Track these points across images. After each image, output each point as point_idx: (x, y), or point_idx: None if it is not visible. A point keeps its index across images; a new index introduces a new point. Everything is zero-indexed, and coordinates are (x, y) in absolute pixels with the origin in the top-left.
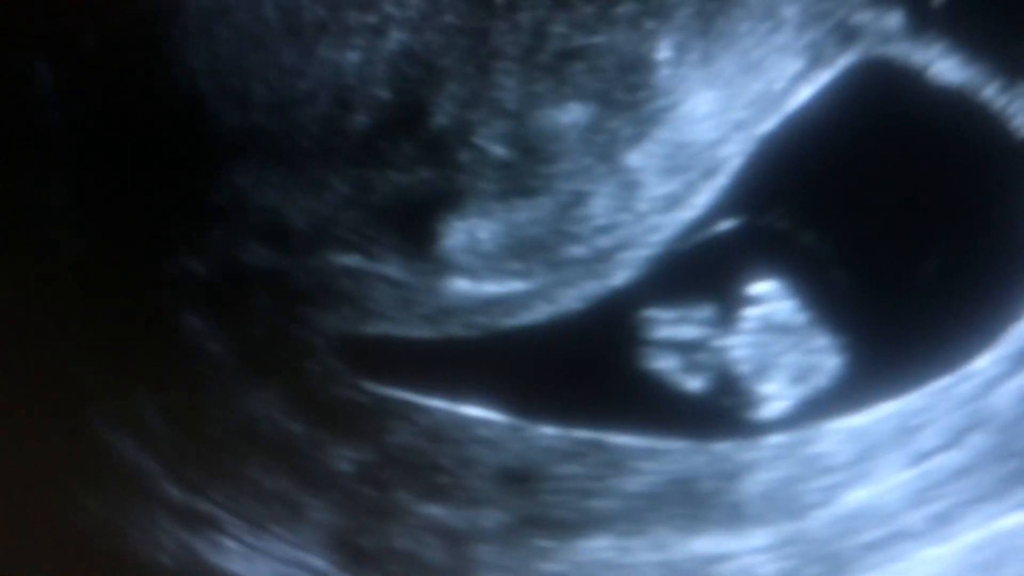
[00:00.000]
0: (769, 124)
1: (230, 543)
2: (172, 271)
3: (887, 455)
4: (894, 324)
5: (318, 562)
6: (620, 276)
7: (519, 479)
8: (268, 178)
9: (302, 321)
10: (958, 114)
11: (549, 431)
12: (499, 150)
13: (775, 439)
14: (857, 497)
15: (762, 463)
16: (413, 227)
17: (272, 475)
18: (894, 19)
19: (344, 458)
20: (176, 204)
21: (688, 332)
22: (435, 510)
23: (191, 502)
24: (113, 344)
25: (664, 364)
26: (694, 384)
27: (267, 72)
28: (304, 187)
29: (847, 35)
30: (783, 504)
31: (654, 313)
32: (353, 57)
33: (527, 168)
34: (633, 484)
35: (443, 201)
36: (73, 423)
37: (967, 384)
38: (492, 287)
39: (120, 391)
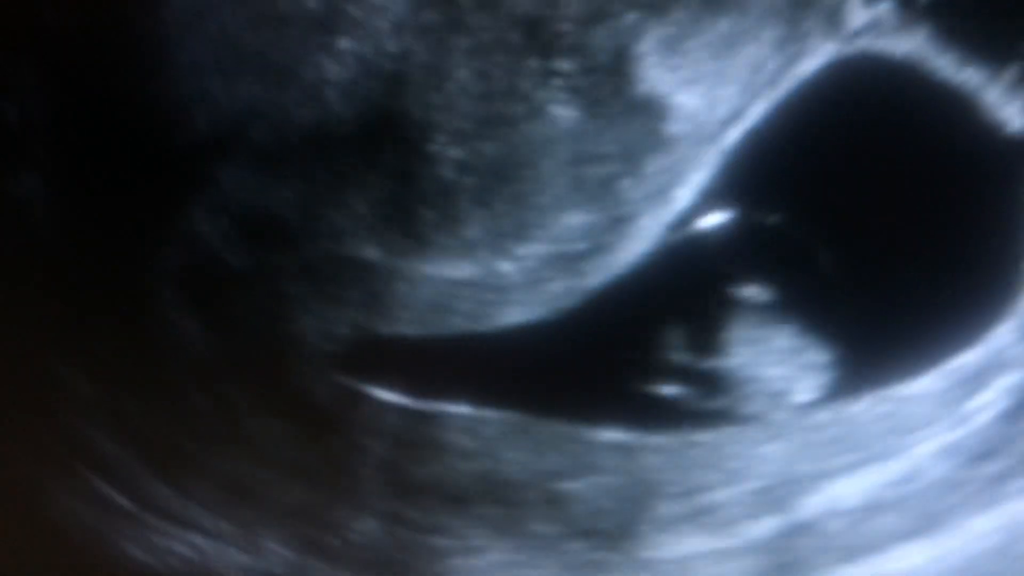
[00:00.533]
0: (756, 118)
1: (208, 539)
2: (155, 268)
3: (875, 451)
4: (883, 318)
5: (295, 558)
6: (607, 272)
7: (499, 477)
8: (254, 174)
9: (288, 319)
10: (948, 108)
11: (530, 429)
12: (485, 146)
13: (763, 434)
14: (844, 492)
15: (750, 458)
16: (401, 226)
17: (254, 473)
18: (883, 11)
19: (327, 456)
20: (159, 200)
21: (675, 329)
22: (417, 508)
23: (170, 499)
24: (94, 342)
25: (651, 362)
26: (679, 382)
27: (254, 67)
28: (289, 183)
29: (836, 27)
30: (769, 500)
31: (640, 309)
32: (341, 53)
33: (511, 165)
34: (616, 481)
35: (428, 199)
36: (49, 419)
37: (956, 379)
38: (477, 287)
39: (100, 388)
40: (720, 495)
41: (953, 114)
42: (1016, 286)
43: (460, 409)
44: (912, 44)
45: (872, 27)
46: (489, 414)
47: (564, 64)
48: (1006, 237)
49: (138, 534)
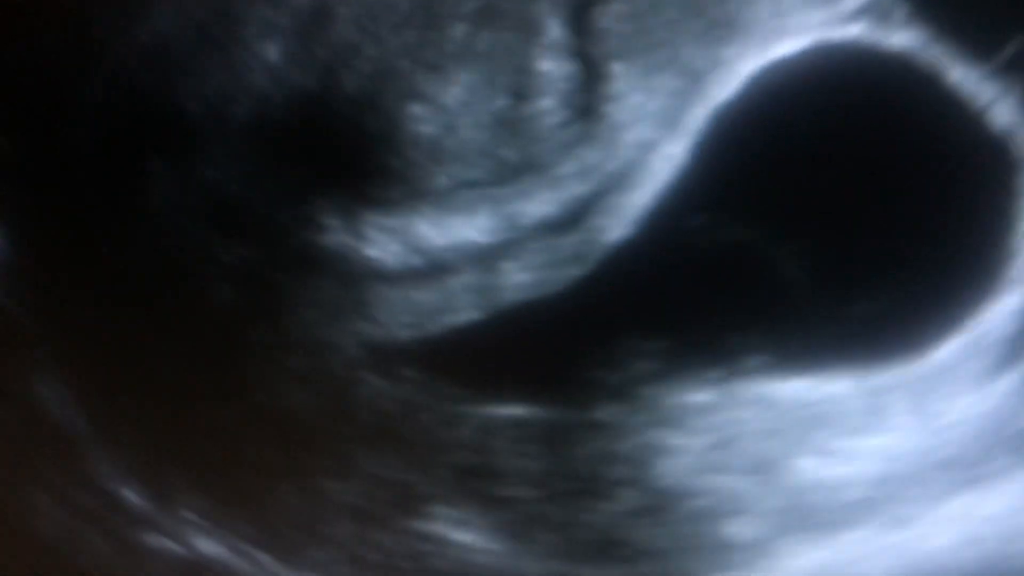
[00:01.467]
0: (729, 109)
1: (202, 549)
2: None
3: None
4: (856, 310)
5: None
6: (567, 268)
7: (485, 470)
8: (226, 164)
9: (269, 315)
10: (931, 101)
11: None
12: (442, 141)
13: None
14: (816, 471)
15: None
16: (371, 216)
17: (245, 478)
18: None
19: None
20: (129, 187)
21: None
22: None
23: (159, 505)
24: (76, 349)
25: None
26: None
27: (220, 52)
28: (265, 173)
29: (821, 12)
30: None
31: (603, 309)
32: (317, 36)
33: (471, 153)
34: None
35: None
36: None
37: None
38: (429, 294)
39: (84, 394)
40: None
41: (936, 107)
42: (999, 283)
43: (439, 403)
44: (894, 33)
45: (854, 15)
46: (466, 408)
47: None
48: (992, 235)
49: (129, 542)
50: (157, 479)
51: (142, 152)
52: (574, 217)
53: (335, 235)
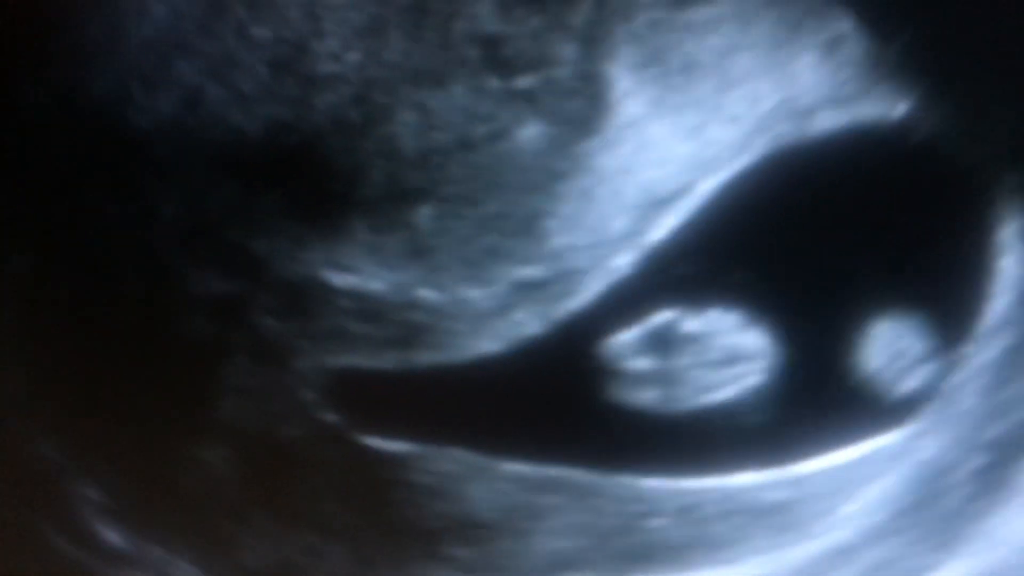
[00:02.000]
0: (742, 159)
1: None
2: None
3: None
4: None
5: None
6: (579, 300)
7: (467, 517)
8: (210, 195)
9: (248, 350)
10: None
11: (510, 468)
12: (448, 171)
13: (749, 478)
14: (834, 539)
15: (734, 503)
16: (362, 251)
17: (220, 514)
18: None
19: (296, 496)
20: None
21: (651, 361)
22: (387, 548)
23: (135, 543)
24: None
25: (627, 395)
26: (660, 413)
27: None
28: (248, 206)
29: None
30: (757, 543)
31: (615, 341)
32: (294, 73)
33: (475, 189)
34: (584, 519)
35: (389, 224)
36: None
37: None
38: (443, 314)
39: (68, 434)
40: (686, 539)
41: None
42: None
43: (422, 446)
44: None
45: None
46: (453, 452)
47: (534, 86)
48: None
49: None
50: (136, 517)
51: (110, 182)
52: (551, 273)
53: (309, 266)
